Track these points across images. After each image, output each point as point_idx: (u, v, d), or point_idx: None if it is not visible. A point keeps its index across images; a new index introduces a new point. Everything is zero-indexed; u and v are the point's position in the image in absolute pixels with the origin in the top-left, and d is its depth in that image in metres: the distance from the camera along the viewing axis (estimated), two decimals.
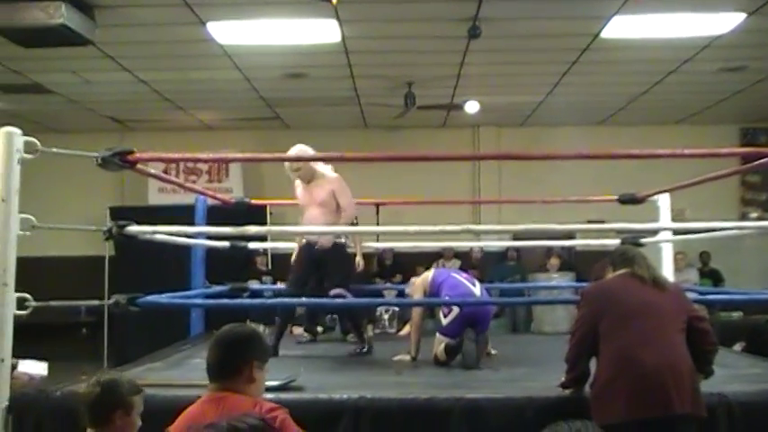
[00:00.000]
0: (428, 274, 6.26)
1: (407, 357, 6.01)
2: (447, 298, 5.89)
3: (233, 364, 2.89)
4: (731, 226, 6.72)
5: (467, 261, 11.98)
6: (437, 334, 5.90)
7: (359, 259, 7.14)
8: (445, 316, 5.86)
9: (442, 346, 5.73)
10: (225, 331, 3.02)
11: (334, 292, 6.29)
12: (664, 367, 3.64)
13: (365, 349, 6.48)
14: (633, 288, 3.89)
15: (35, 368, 4.49)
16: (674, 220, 7.74)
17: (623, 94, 11.08)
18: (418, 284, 6.24)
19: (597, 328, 3.83)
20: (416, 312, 6.30)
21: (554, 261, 11.51)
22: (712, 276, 11.63)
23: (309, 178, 6.43)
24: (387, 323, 9.38)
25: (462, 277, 6.23)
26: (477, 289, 6.09)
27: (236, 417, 1.62)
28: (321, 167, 6.48)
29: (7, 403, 4.20)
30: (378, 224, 9.82)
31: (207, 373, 2.95)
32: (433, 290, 6.09)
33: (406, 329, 8.83)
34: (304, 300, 6.26)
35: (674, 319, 3.83)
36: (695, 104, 11.75)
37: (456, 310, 5.81)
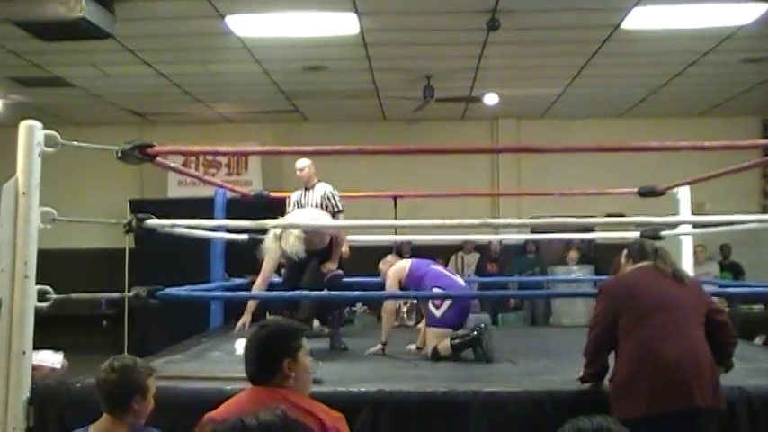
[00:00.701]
0: (404, 265, 6.21)
1: (379, 346, 6.02)
2: (437, 289, 5.90)
3: (263, 367, 2.84)
4: (752, 219, 6.67)
5: (487, 254, 11.97)
6: (431, 327, 5.86)
7: (345, 248, 7.18)
8: (437, 307, 5.87)
9: (447, 340, 5.70)
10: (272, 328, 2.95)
11: (331, 273, 6.37)
12: (685, 361, 3.63)
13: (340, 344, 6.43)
14: (653, 282, 3.88)
15: (51, 358, 4.51)
16: (694, 213, 7.69)
17: (643, 85, 11.01)
18: (392, 275, 6.19)
19: (617, 323, 3.82)
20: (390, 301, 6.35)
21: (573, 254, 11.47)
22: (733, 269, 11.54)
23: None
24: (405, 315, 9.38)
25: (440, 267, 6.32)
26: (459, 278, 6.28)
27: (250, 412, 1.59)
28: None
29: (28, 395, 4.24)
30: (396, 217, 9.82)
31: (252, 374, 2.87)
32: (415, 282, 6.07)
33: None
34: (324, 293, 6.26)
35: (694, 313, 3.81)
36: (716, 96, 11.65)
37: (448, 300, 5.85)
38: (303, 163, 7.10)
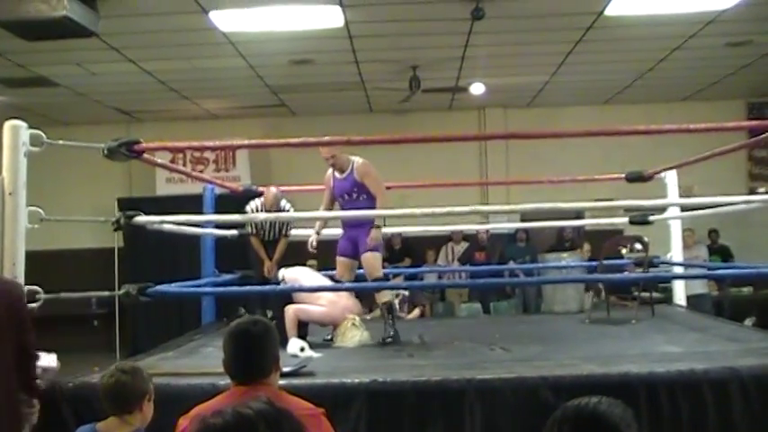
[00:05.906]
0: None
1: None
2: None
3: (265, 363, 2.74)
4: (739, 200, 6.70)
5: (475, 243, 11.98)
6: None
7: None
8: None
9: None
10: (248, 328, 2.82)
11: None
12: None
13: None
14: None
15: (45, 360, 4.50)
16: (681, 197, 7.73)
17: (629, 71, 11.03)
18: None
19: None
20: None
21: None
22: (721, 252, 11.61)
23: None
24: (397, 307, 9.36)
25: None
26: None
27: (241, 403, 1.59)
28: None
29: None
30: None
31: (232, 370, 2.77)
32: None
33: (416, 313, 8.87)
34: (326, 285, 6.27)
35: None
36: (701, 80, 11.69)
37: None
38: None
